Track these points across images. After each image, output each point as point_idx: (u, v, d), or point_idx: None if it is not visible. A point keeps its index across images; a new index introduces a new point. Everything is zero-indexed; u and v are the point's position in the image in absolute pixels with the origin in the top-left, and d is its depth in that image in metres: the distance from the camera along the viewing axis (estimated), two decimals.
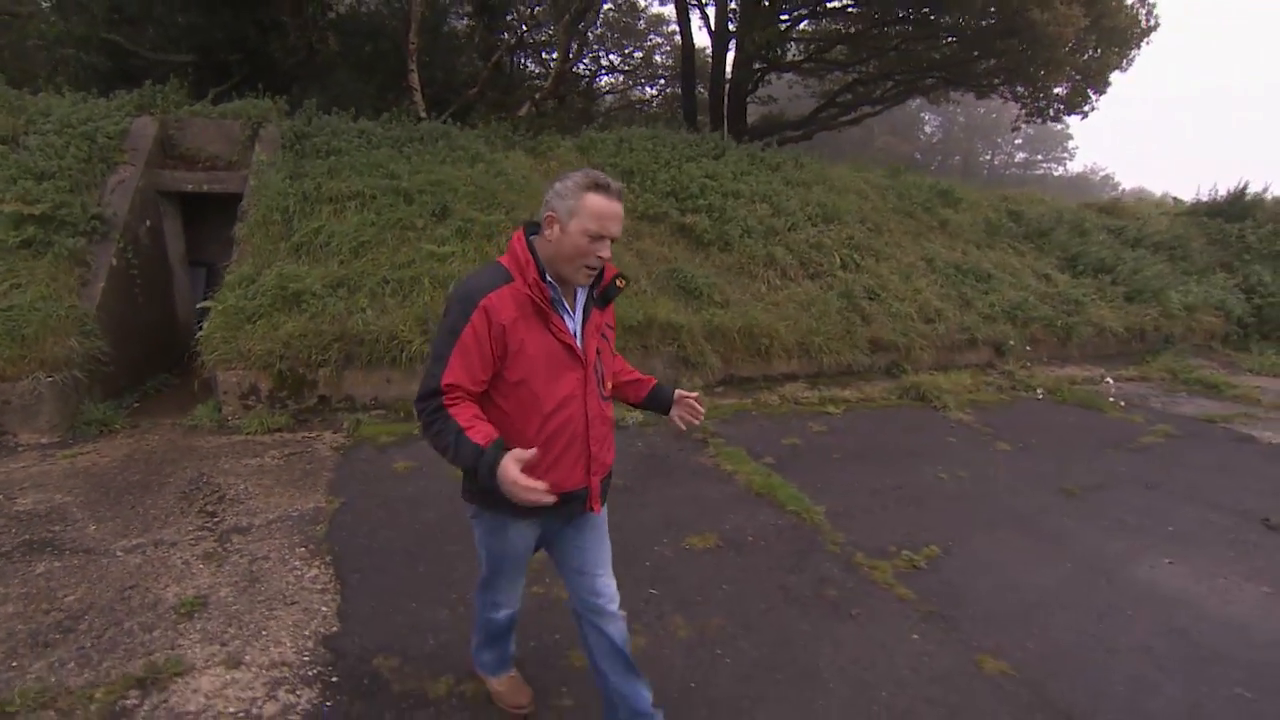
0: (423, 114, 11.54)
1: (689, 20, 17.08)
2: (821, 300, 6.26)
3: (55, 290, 4.77)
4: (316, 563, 2.86)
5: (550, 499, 1.37)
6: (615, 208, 1.49)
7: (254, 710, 1.99)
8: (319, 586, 2.67)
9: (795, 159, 8.65)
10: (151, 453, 4.14)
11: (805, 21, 15.69)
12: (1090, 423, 5.60)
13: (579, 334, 1.59)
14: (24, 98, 6.50)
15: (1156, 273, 8.67)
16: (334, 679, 2.13)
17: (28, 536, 3.01)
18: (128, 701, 2.01)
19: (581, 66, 25.90)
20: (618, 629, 1.73)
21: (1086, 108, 15.17)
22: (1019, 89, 14.01)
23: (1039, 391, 6.37)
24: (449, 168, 6.72)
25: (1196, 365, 7.71)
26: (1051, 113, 15.52)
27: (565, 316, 1.57)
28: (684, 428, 1.86)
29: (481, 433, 1.42)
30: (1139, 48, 14.38)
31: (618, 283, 1.67)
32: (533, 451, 1.40)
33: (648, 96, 27.58)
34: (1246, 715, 2.15)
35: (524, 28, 14.71)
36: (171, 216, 6.37)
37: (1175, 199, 14.06)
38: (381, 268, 5.45)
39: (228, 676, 2.13)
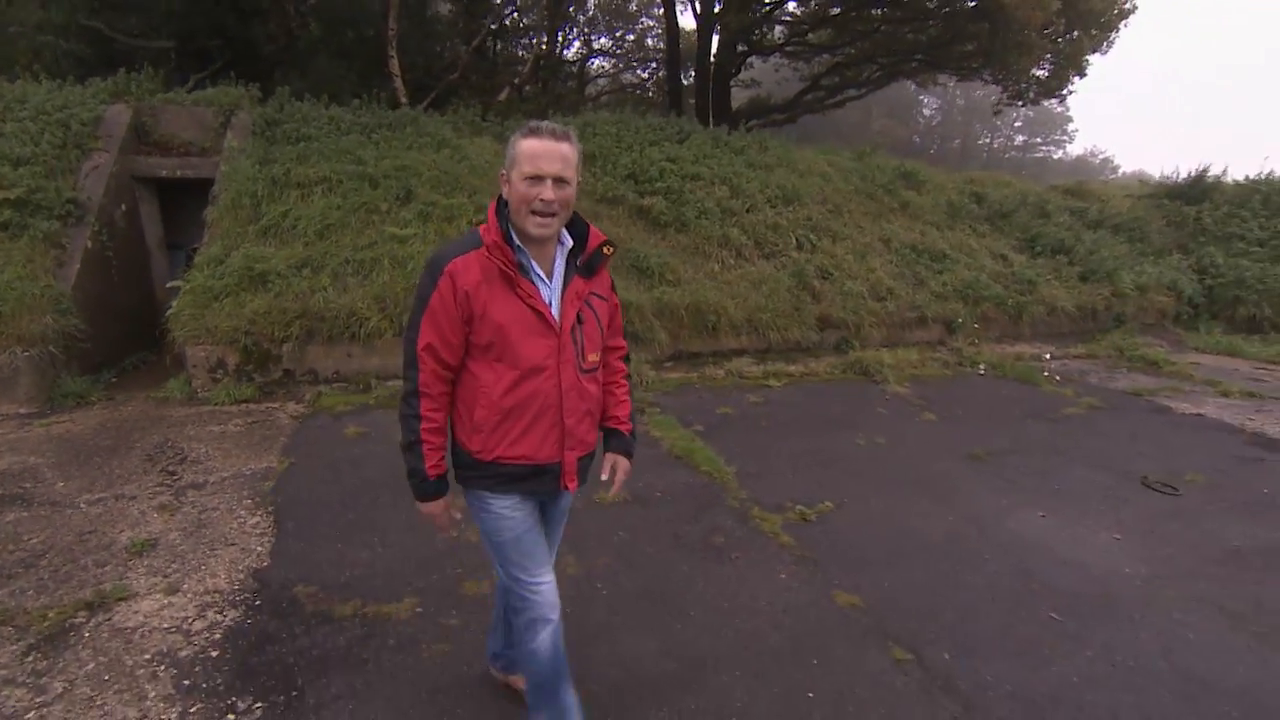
0: (403, 99, 11.73)
1: (674, 3, 17.17)
2: (773, 279, 6.53)
3: (31, 271, 5.05)
4: (260, 513, 3.17)
5: (449, 534, 1.49)
6: (548, 146, 1.43)
7: (184, 626, 2.31)
8: (258, 531, 2.99)
9: (760, 142, 8.86)
10: (123, 422, 4.44)
11: (791, 3, 15.72)
12: (1021, 395, 5.88)
13: (555, 301, 1.54)
14: (1, 85, 6.73)
15: (1112, 254, 8.90)
16: (257, 603, 2.45)
17: (5, 492, 3.32)
18: (76, 620, 2.33)
19: (572, 50, 25.92)
20: None
21: (1065, 90, 15.33)
22: (996, 72, 14.05)
23: (981, 367, 6.65)
24: (415, 153, 6.96)
25: (1144, 343, 7.99)
26: (1031, 95, 15.67)
27: (538, 282, 1.53)
28: (602, 477, 1.73)
29: (434, 459, 1.54)
30: (1117, 30, 14.52)
31: (604, 249, 1.60)
32: (456, 522, 1.63)
33: (639, 79, 27.62)
34: (1047, 633, 2.46)
35: (507, 12, 14.78)
36: (148, 201, 6.63)
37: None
38: (344, 249, 5.71)
39: (165, 601, 2.45)
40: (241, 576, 2.62)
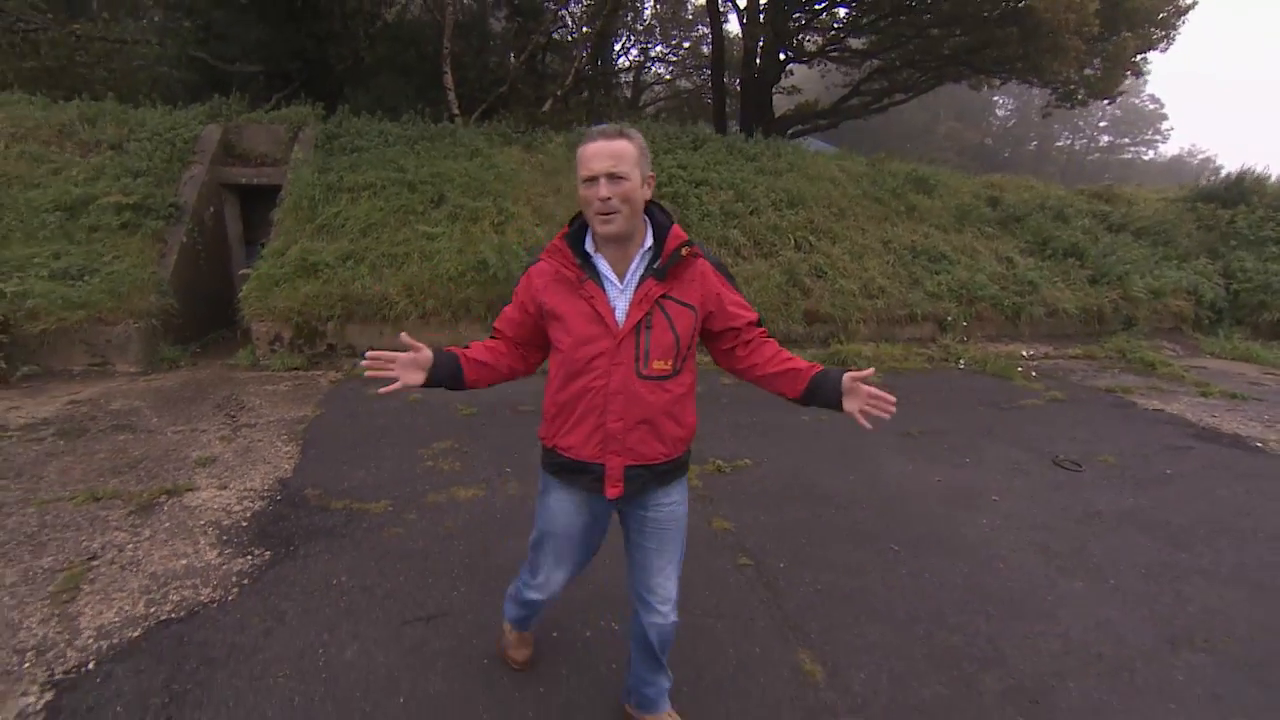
0: (455, 111, 12.91)
1: (719, 10, 17.74)
2: (765, 276, 7.11)
3: (142, 261, 6.30)
4: (292, 444, 4.11)
5: (387, 380, 1.58)
6: (599, 146, 1.48)
7: (228, 508, 3.23)
8: (288, 455, 3.92)
9: (774, 149, 9.41)
10: (202, 381, 5.56)
11: (833, 9, 15.96)
12: (988, 388, 6.23)
13: (620, 304, 1.56)
14: (128, 111, 8.18)
15: (1125, 257, 8.90)
16: (278, 498, 3.36)
17: (115, 422, 4.41)
18: (159, 500, 3.29)
19: (629, 57, 26.86)
20: (658, 631, 1.74)
21: (1117, 92, 14.92)
22: (1033, 76, 13.91)
23: (961, 363, 6.99)
24: (450, 162, 7.95)
25: (1151, 346, 8.03)
26: (1080, 96, 15.32)
27: (606, 284, 1.56)
28: (867, 425, 1.56)
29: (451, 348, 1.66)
30: (1176, 28, 14.05)
31: (682, 251, 1.57)
32: (407, 343, 1.63)
33: (695, 86, 28.26)
34: (879, 559, 3.03)
35: (556, 27, 15.81)
36: (231, 204, 7.91)
37: None
38: (383, 244, 6.73)
39: (217, 493, 3.39)
40: (270, 482, 3.54)
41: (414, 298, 6.25)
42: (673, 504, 1.72)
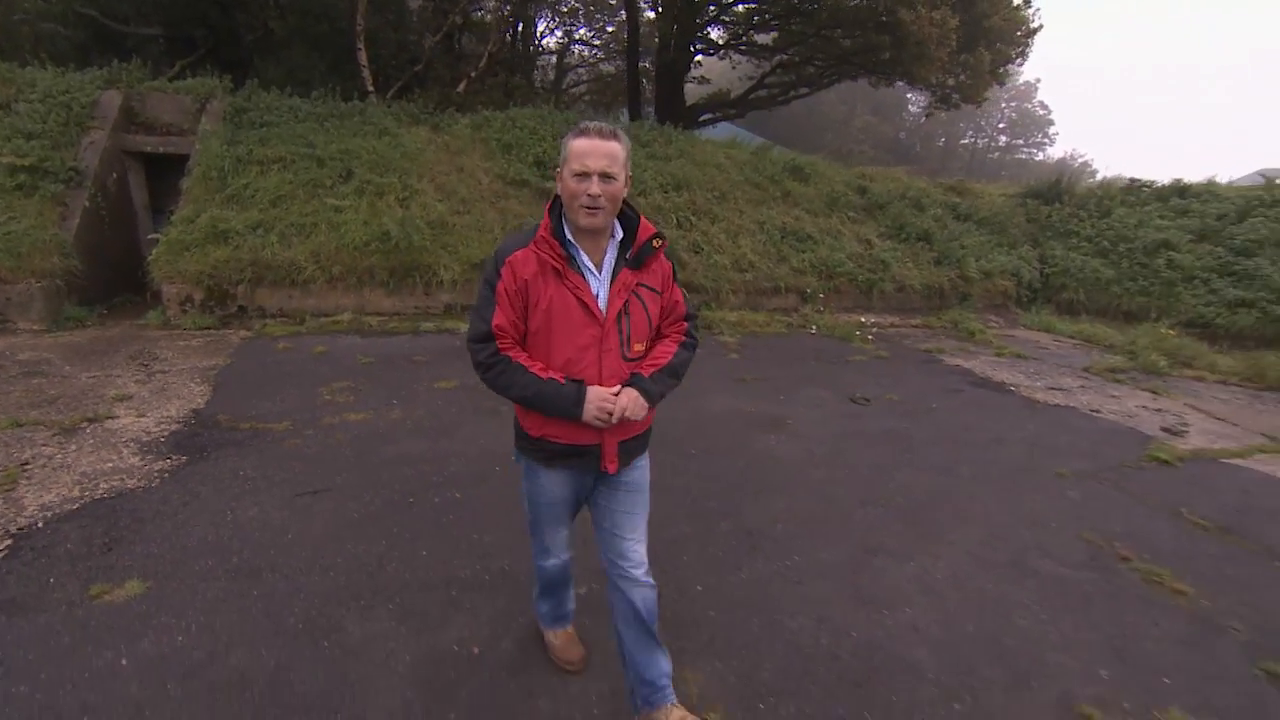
0: (370, 88, 13.09)
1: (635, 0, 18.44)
2: None
3: (42, 222, 6.53)
4: (204, 384, 4.69)
5: (612, 406, 1.57)
6: (595, 144, 1.53)
7: (148, 429, 3.84)
8: (201, 393, 4.51)
9: (667, 136, 10.33)
10: (112, 338, 5.95)
11: (734, 7, 16.98)
12: (828, 348, 7.41)
13: (602, 292, 1.63)
14: (14, 70, 8.13)
15: (965, 242, 10.40)
16: (193, 421, 3.98)
17: (28, 370, 4.83)
18: (81, 425, 3.85)
19: (554, 39, 27.11)
20: (642, 596, 1.78)
21: (983, 98, 16.73)
22: (907, 80, 15.42)
23: (813, 328, 8.18)
24: (358, 139, 8.40)
25: (978, 318, 9.51)
26: (954, 100, 17.10)
27: (587, 274, 1.62)
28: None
29: (551, 373, 1.60)
30: (1028, 44, 15.95)
31: (654, 242, 1.67)
32: (615, 389, 1.61)
33: (617, 70, 28.82)
34: (682, 460, 3.99)
35: (474, 8, 16.08)
36: (136, 171, 8.08)
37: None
38: (292, 215, 7.19)
39: (137, 419, 3.98)
40: (185, 411, 4.15)
41: (321, 264, 6.78)
42: (643, 466, 1.86)
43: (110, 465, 3.38)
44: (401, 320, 7.03)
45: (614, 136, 1.56)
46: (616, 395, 1.61)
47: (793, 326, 8.25)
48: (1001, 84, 17.04)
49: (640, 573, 1.79)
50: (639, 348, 1.70)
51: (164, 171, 8.48)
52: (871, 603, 2.66)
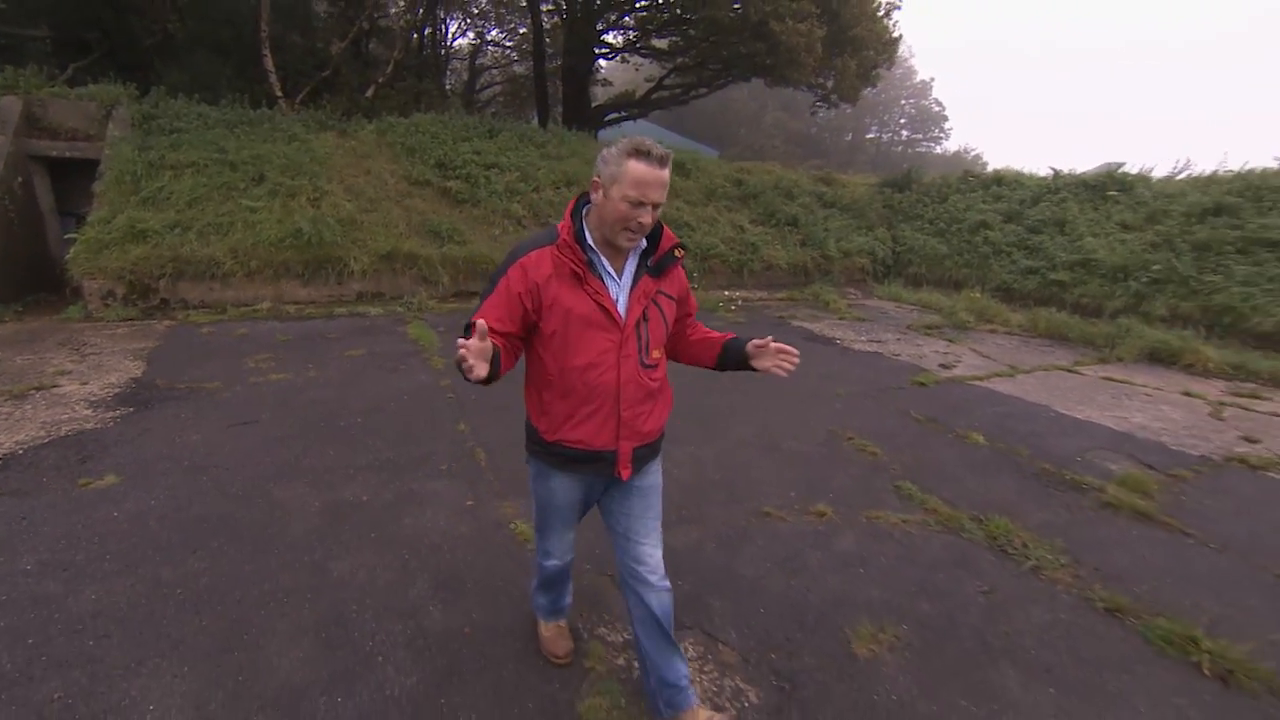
0: (278, 94, 13.51)
1: (538, 3, 19.35)
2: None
3: None
4: (138, 361, 5.45)
5: (467, 361, 1.37)
6: (656, 174, 1.52)
7: (93, 393, 4.62)
8: (136, 367, 5.28)
9: (560, 137, 11.43)
10: (36, 330, 6.52)
11: (625, 16, 18.19)
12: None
13: (623, 298, 1.63)
14: None
15: (829, 226, 12.01)
16: (133, 386, 4.79)
17: None
18: (30, 392, 4.60)
19: (464, 40, 27.56)
20: (658, 601, 1.79)
21: (857, 97, 18.68)
22: (784, 83, 17.07)
23: None
24: (269, 145, 9.07)
25: (838, 292, 11.11)
26: (833, 100, 18.98)
27: (607, 279, 1.62)
28: (784, 375, 1.80)
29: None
30: (892, 52, 17.97)
31: (675, 252, 1.69)
32: (485, 331, 1.41)
33: (528, 72, 29.54)
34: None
35: (379, 15, 16.61)
36: (41, 176, 8.48)
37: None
38: (208, 215, 7.85)
39: (80, 386, 4.75)
40: (125, 379, 4.95)
41: (240, 259, 7.51)
42: (656, 470, 1.88)
43: (66, 417, 4.18)
44: (317, 307, 7.84)
45: (668, 163, 1.56)
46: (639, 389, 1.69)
47: None
48: (873, 86, 19.01)
49: (657, 579, 1.80)
50: (656, 354, 1.72)
51: (73, 176, 8.88)
52: None
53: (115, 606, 2.38)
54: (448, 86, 25.88)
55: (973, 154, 67.91)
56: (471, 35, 27.18)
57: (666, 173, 1.55)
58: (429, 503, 3.27)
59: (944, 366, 6.85)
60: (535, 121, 19.44)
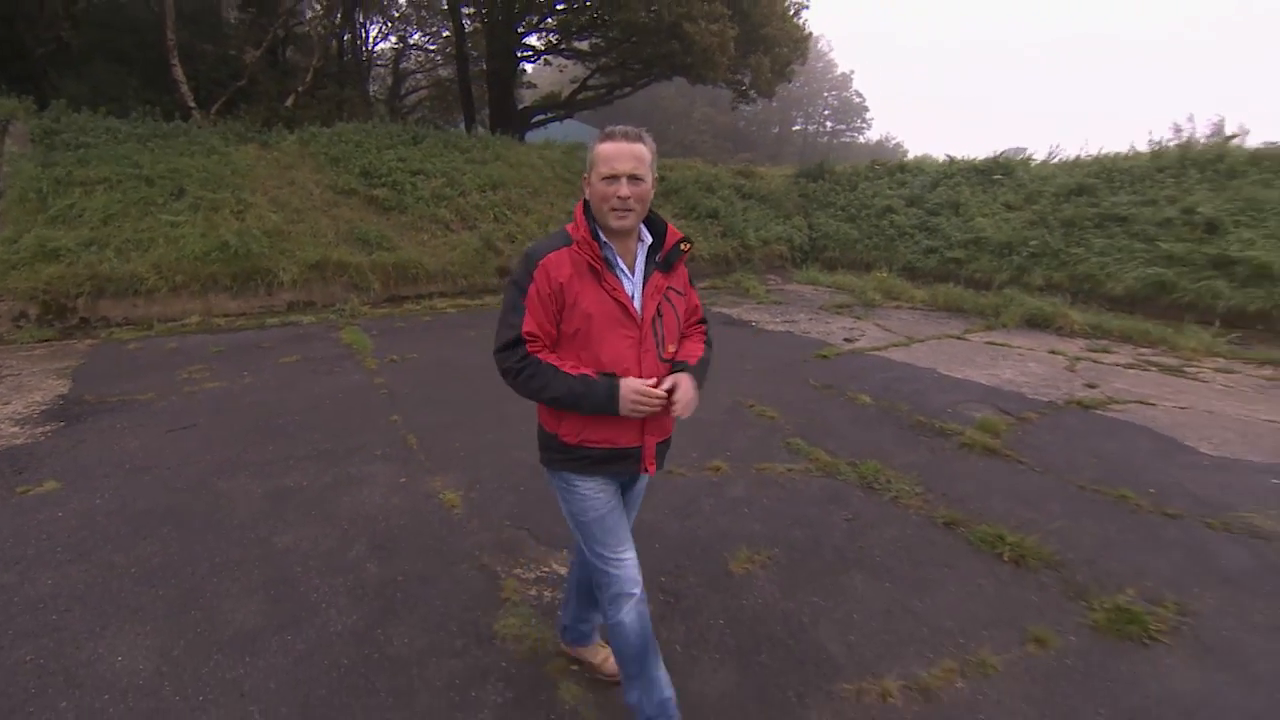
0: (191, 104, 13.18)
1: (459, 5, 19.36)
2: (465, 243, 9.38)
3: None
4: (62, 379, 5.48)
5: (661, 396, 1.58)
6: (621, 147, 1.58)
7: (19, 411, 4.69)
8: (61, 385, 5.32)
9: (485, 143, 11.70)
10: None
11: (545, 19, 18.48)
12: None
13: (637, 294, 1.67)
14: None
15: (748, 217, 12.69)
16: (61, 402, 4.87)
17: None
18: None
19: (386, 43, 27.11)
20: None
21: (774, 91, 19.59)
22: (700, 80, 17.73)
23: None
24: (186, 158, 8.99)
25: (758, 278, 11.77)
26: (751, 95, 19.83)
27: (622, 276, 1.67)
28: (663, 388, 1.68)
29: (582, 369, 1.62)
30: (804, 50, 18.91)
31: (681, 246, 1.73)
32: (652, 381, 1.61)
33: (453, 75, 29.32)
34: (473, 389, 5.47)
35: (294, 22, 16.33)
36: None
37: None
38: (127, 231, 7.77)
39: (3, 406, 4.80)
40: (51, 397, 5.01)
41: (164, 274, 7.49)
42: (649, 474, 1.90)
43: None
44: (248, 318, 7.89)
45: (639, 139, 1.62)
46: (655, 387, 1.64)
47: None
48: (788, 81, 19.96)
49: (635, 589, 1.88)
50: (672, 348, 1.76)
51: None
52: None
53: (73, 588, 2.64)
54: (372, 92, 25.49)
55: (894, 143, 70.95)
56: (394, 39, 26.80)
57: (638, 147, 1.60)
58: (365, 483, 3.61)
59: (848, 340, 7.55)
60: (463, 125, 19.50)
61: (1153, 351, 7.29)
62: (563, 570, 2.83)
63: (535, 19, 18.04)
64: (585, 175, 1.66)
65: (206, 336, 7.05)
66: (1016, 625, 2.56)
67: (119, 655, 2.26)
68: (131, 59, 13.09)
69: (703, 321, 1.93)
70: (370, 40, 25.83)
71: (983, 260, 10.49)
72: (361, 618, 2.48)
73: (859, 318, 8.89)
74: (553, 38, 18.78)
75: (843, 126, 68.01)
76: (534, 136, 18.31)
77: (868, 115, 67.63)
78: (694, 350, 1.82)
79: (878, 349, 7.14)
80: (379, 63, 26.98)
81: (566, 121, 23.70)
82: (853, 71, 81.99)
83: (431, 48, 28.09)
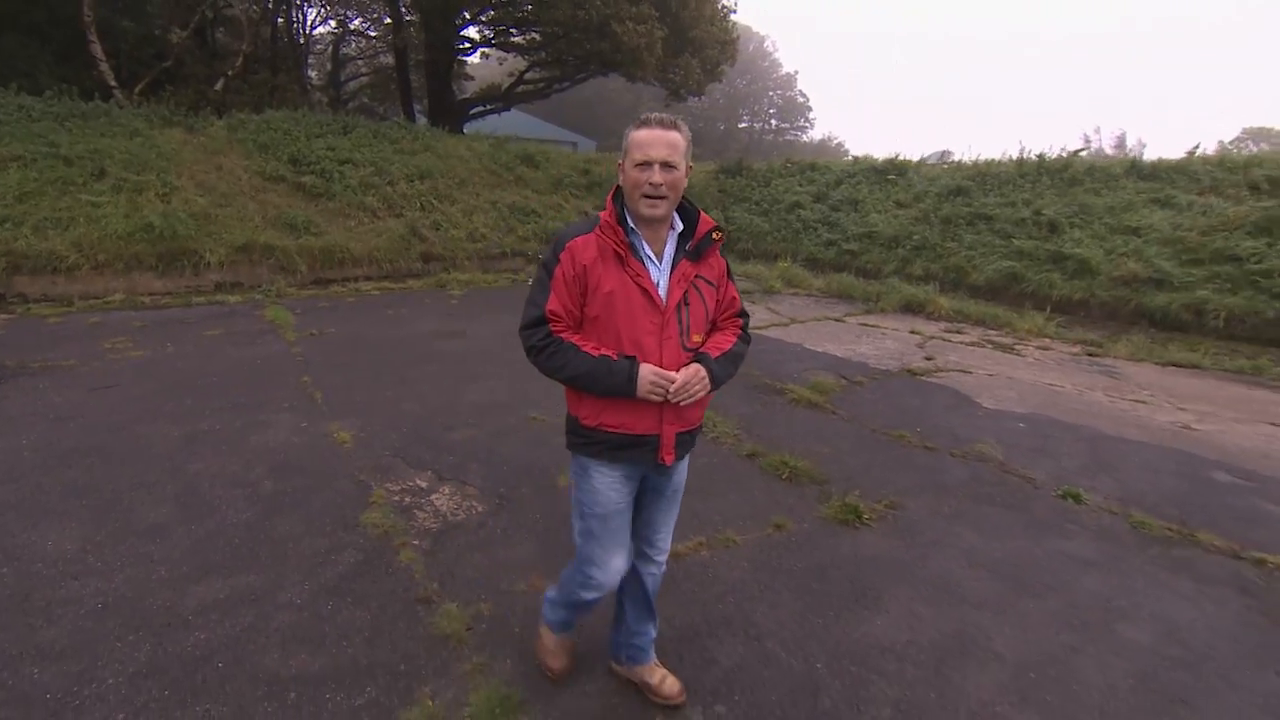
0: (112, 83, 13.09)
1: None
2: (391, 230, 9.88)
3: None
4: None
5: (673, 380, 1.61)
6: (656, 134, 1.58)
7: None
8: None
9: (414, 134, 12.15)
10: None
11: (482, 13, 18.87)
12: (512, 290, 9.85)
13: (663, 281, 1.68)
14: None
15: None
16: None
17: None
18: None
19: (326, 27, 26.75)
20: (652, 575, 1.98)
21: (704, 90, 20.55)
22: (630, 78, 18.48)
23: (529, 280, 10.62)
24: (108, 140, 9.18)
25: None
26: (683, 93, 20.70)
27: (648, 262, 1.68)
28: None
29: (604, 350, 1.64)
30: (732, 52, 19.88)
31: (713, 235, 1.72)
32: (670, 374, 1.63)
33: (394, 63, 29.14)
34: (382, 363, 6.09)
35: (223, 3, 16.23)
36: None
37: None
38: (44, 210, 7.98)
39: None
40: None
41: (85, 253, 7.76)
42: (685, 469, 1.93)
43: None
44: (174, 297, 8.22)
45: (675, 126, 1.62)
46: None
47: (516, 282, 10.59)
48: (719, 81, 20.92)
49: (663, 559, 2.00)
50: (697, 338, 1.74)
51: None
52: (466, 387, 5.02)
53: (3, 502, 3.20)
54: (311, 76, 25.20)
55: (836, 142, 73.54)
56: (333, 24, 26.43)
57: (673, 134, 1.61)
58: (271, 427, 4.23)
59: None
60: (402, 115, 19.66)
61: (997, 333, 8.46)
62: (425, 485, 3.55)
63: (472, 12, 18.39)
64: (620, 162, 1.68)
65: (131, 313, 7.40)
66: (767, 518, 3.42)
67: (49, 540, 2.86)
68: (45, 33, 12.85)
69: (741, 315, 1.92)
70: (309, 23, 25.50)
71: (873, 252, 11.62)
72: (254, 515, 3.15)
73: (754, 302, 9.81)
74: (488, 32, 19.18)
75: (786, 125, 69.89)
76: (474, 128, 18.73)
77: (810, 115, 69.72)
78: (722, 343, 1.80)
79: (759, 329, 8.04)
80: (317, 47, 26.62)
81: (506, 114, 24.09)
82: (797, 72, 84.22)
83: (373, 34, 27.86)
